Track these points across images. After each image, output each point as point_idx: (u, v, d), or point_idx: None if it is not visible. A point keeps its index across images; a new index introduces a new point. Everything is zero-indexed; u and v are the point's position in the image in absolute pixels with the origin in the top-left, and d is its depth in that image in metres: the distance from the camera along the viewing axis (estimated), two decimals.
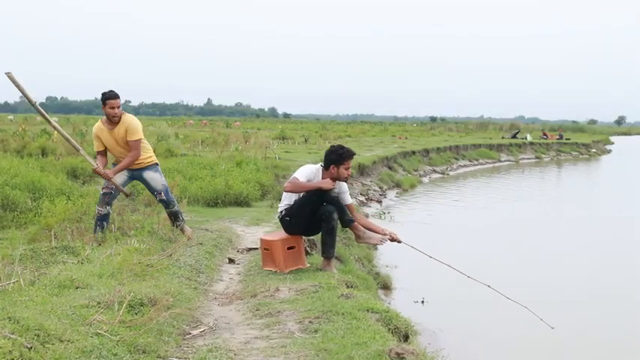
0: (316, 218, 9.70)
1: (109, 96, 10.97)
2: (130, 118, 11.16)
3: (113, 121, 11.06)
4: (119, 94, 11.16)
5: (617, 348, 11.55)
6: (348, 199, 10.25)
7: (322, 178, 9.88)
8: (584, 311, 13.38)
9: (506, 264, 17.19)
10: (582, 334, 12.10)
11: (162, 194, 11.41)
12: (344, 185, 10.22)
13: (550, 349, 11.34)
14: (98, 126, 11.22)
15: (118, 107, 11.01)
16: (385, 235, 10.28)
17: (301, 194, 9.77)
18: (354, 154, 10.12)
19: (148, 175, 11.37)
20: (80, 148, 10.93)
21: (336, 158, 9.85)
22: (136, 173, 11.33)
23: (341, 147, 10.12)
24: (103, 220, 11.11)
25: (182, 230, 11.58)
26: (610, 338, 12.02)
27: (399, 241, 10.26)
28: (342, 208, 9.75)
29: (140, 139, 11.16)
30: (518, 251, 19.00)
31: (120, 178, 11.23)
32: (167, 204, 11.50)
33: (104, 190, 11.17)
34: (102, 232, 11.01)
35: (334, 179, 9.86)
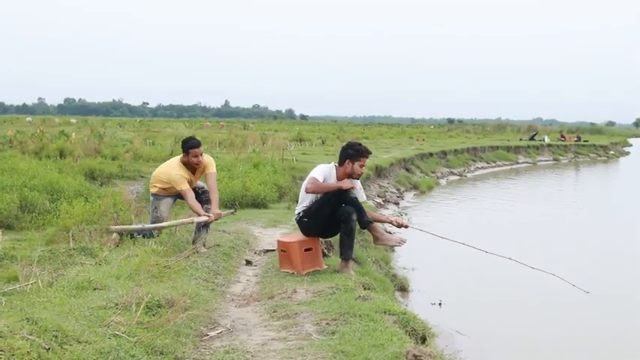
0: (334, 219, 9.66)
1: (192, 145, 10.91)
2: (207, 159, 11.19)
3: (196, 167, 11.07)
4: (200, 142, 11.25)
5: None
6: (362, 197, 10.25)
7: (336, 176, 9.84)
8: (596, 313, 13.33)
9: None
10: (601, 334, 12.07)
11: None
12: (357, 182, 10.17)
13: (568, 351, 11.31)
14: (181, 172, 10.95)
15: (201, 154, 10.98)
16: (392, 222, 10.18)
17: (319, 195, 9.74)
18: (370, 152, 10.07)
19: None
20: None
21: (353, 153, 9.81)
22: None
23: (359, 143, 10.14)
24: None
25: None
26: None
27: (406, 226, 10.14)
28: (360, 209, 9.70)
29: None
30: (530, 252, 18.93)
31: (168, 205, 11.24)
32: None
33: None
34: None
35: (348, 175, 9.81)
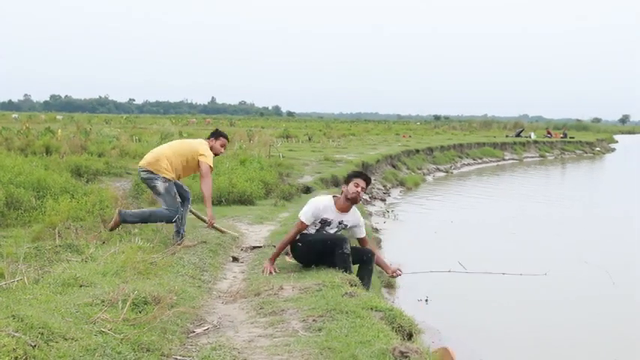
0: (326, 255, 9.59)
1: (226, 135, 11.75)
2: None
3: (215, 154, 11.61)
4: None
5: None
6: (361, 233, 10.08)
7: (336, 207, 9.68)
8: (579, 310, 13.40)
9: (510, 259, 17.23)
10: (589, 333, 12.11)
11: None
12: (359, 218, 10.00)
13: (554, 347, 11.35)
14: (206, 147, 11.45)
15: (226, 147, 11.85)
16: (394, 272, 10.30)
17: (317, 225, 9.70)
18: (365, 176, 9.88)
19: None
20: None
21: (346, 177, 9.77)
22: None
23: (355, 171, 10.12)
24: None
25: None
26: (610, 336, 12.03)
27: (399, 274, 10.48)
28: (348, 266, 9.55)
29: None
30: (516, 249, 19.00)
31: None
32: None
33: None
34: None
35: (346, 200, 9.63)
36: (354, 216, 9.83)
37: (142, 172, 10.99)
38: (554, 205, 29.17)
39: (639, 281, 15.80)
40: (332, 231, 9.74)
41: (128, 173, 21.12)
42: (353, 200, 9.66)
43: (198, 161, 11.08)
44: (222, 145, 11.42)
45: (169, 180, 10.93)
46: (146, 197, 15.76)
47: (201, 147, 11.19)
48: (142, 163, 11.03)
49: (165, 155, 11.00)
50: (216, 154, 11.50)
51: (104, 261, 8.90)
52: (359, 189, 9.57)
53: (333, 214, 9.67)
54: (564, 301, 13.99)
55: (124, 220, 10.92)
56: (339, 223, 9.74)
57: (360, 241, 10.14)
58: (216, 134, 11.48)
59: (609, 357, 11.04)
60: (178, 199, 11.04)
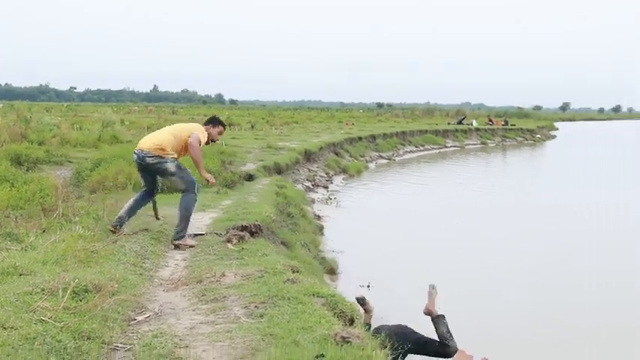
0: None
1: (224, 124, 11.64)
2: None
3: (211, 141, 11.55)
4: None
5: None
6: None
7: None
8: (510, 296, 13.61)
9: (441, 248, 17.44)
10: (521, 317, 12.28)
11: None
12: None
13: (492, 333, 11.50)
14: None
15: (222, 135, 11.87)
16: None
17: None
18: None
19: None
20: None
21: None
22: None
23: None
24: None
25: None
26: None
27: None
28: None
29: None
30: (454, 237, 19.21)
31: None
32: None
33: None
34: None
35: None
36: None
37: (147, 158, 10.80)
38: (491, 194, 29.50)
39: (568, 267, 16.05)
40: None
41: (69, 161, 20.91)
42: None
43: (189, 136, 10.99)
44: (220, 133, 11.38)
45: (176, 159, 10.94)
46: (87, 185, 15.64)
47: (196, 129, 11.12)
48: (146, 147, 10.87)
49: (167, 139, 10.94)
50: (213, 141, 11.48)
51: (44, 249, 8.81)
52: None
53: None
54: (508, 287, 14.20)
55: (182, 237, 10.96)
56: None
57: None
58: (214, 121, 11.35)
59: (546, 343, 11.23)
60: (188, 170, 11.10)
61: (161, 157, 10.81)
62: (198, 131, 10.98)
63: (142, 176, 11.20)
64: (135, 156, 10.96)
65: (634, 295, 13.90)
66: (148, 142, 10.94)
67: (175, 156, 10.90)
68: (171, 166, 10.86)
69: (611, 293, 13.87)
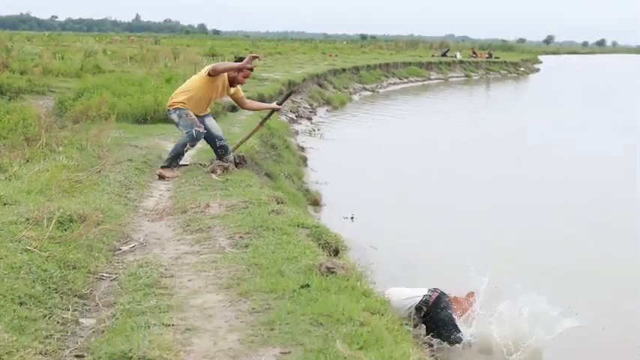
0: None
1: (250, 67, 11.21)
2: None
3: (237, 83, 11.34)
4: None
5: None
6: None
7: None
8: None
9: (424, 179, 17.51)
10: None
11: (223, 140, 11.30)
12: None
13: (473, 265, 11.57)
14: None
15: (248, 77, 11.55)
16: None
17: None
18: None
19: (210, 121, 11.28)
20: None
21: None
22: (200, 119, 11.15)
23: None
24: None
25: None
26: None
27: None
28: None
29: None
30: (435, 168, 19.30)
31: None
32: (225, 151, 11.32)
33: (201, 130, 11.02)
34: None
35: None
36: None
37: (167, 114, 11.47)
38: (473, 126, 29.59)
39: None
40: None
41: (51, 91, 20.77)
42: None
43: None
44: (245, 76, 11.20)
45: (180, 108, 11.01)
46: (70, 115, 15.56)
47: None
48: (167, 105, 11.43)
49: (178, 92, 11.30)
50: (239, 83, 11.32)
51: (28, 179, 8.79)
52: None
53: None
54: (487, 212, 14.29)
55: (168, 166, 10.96)
56: None
57: None
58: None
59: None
60: (196, 122, 10.97)
61: (169, 110, 11.26)
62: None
63: None
64: None
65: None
66: (169, 101, 11.38)
67: (179, 106, 11.06)
68: (174, 117, 11.15)
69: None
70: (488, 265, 8.68)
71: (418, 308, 8.25)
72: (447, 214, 14.42)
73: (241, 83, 11.31)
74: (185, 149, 11.08)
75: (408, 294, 8.37)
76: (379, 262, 9.81)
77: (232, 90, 11.25)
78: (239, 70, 10.96)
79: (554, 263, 11.52)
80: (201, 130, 10.94)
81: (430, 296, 8.28)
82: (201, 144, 12.80)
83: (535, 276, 10.30)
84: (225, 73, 10.99)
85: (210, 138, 11.23)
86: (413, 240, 12.49)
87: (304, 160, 18.29)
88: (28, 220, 6.64)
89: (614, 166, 20.22)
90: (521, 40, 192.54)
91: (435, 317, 8.25)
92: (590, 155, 22.00)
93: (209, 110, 11.51)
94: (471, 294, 9.04)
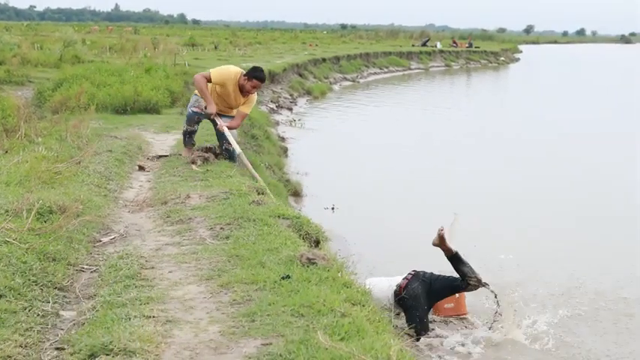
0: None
1: (261, 77, 11.05)
2: (254, 97, 11.43)
3: (246, 92, 11.09)
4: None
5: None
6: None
7: None
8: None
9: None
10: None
11: (229, 144, 11.15)
12: None
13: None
14: (234, 78, 10.98)
15: (258, 88, 11.22)
16: None
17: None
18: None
19: (225, 121, 11.18)
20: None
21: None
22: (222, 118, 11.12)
23: None
24: (192, 134, 11.34)
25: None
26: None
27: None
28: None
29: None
30: (416, 159, 19.35)
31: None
32: (229, 156, 11.22)
33: (195, 110, 10.99)
34: (192, 145, 11.33)
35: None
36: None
37: None
38: (454, 118, 29.68)
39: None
40: None
41: (30, 81, 20.67)
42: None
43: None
44: (254, 87, 10.95)
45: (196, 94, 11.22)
46: (49, 106, 15.49)
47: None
48: None
49: None
50: (247, 91, 11.05)
51: (7, 171, 8.73)
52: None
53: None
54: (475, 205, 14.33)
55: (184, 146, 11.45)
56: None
57: None
58: (250, 74, 10.97)
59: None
60: (196, 104, 11.11)
61: None
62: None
63: None
64: None
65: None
66: None
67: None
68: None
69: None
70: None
71: (397, 296, 8.27)
72: (428, 203, 14.43)
73: (249, 92, 11.15)
74: (185, 129, 11.27)
75: (386, 283, 8.38)
76: (360, 253, 9.83)
77: (242, 99, 11.16)
78: (247, 78, 10.92)
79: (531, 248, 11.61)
80: (197, 110, 10.97)
81: (400, 285, 8.27)
82: (180, 135, 12.78)
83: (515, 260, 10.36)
84: (235, 80, 10.96)
85: (219, 137, 11.18)
86: (394, 230, 12.50)
87: (285, 150, 18.29)
88: (7, 211, 6.60)
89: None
90: (502, 30, 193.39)
91: (404, 304, 8.26)
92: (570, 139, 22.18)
93: (233, 112, 11.30)
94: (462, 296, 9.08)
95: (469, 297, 8.99)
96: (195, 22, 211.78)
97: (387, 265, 10.31)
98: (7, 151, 10.28)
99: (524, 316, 8.64)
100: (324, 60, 43.67)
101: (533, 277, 9.87)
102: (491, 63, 71.48)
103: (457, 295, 8.84)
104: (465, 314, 9.09)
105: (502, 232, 12.54)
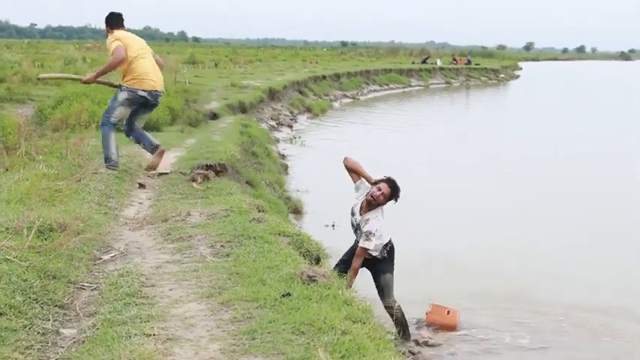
0: None
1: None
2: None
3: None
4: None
5: None
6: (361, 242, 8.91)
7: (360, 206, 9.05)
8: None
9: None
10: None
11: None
12: (370, 227, 8.83)
13: (449, 275, 11.62)
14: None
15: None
16: None
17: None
18: (391, 182, 9.00)
19: None
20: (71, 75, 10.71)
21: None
22: None
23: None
24: None
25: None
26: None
27: None
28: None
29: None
30: (416, 176, 19.35)
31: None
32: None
33: None
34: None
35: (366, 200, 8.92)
36: (368, 223, 8.82)
37: (159, 97, 11.37)
38: (455, 138, 29.69)
39: None
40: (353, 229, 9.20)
41: (31, 99, 20.68)
42: (369, 202, 8.89)
43: None
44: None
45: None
46: (49, 124, 15.49)
47: None
48: (160, 87, 11.21)
49: None
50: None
51: (8, 188, 8.74)
52: (380, 192, 8.80)
53: (357, 211, 9.08)
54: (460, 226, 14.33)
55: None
56: (357, 223, 9.05)
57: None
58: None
59: None
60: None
61: None
62: None
63: (132, 113, 11.27)
64: (150, 96, 11.01)
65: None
66: (161, 83, 11.21)
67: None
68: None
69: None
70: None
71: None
72: (428, 221, 14.45)
73: None
74: None
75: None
76: (361, 270, 9.81)
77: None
78: None
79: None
80: None
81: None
82: (181, 152, 12.79)
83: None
84: None
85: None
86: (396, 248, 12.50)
87: (285, 167, 18.31)
88: (7, 229, 6.60)
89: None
90: (502, 47, 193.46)
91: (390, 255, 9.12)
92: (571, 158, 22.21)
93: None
94: (454, 312, 9.21)
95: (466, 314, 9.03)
96: (196, 39, 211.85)
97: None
98: (7, 169, 10.28)
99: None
100: (324, 77, 43.75)
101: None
102: (491, 80, 71.60)
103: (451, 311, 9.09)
104: (454, 328, 9.27)
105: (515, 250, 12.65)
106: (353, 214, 9.08)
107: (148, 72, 10.95)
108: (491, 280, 11.29)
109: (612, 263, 12.44)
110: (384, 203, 8.86)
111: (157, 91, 10.95)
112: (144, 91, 10.85)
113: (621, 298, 10.65)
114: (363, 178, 9.12)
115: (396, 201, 8.95)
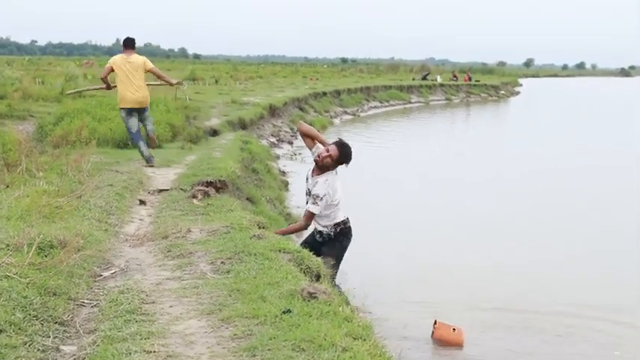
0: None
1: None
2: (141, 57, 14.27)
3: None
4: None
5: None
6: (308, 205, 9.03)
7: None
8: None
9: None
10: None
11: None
12: (319, 190, 8.97)
13: (450, 283, 11.62)
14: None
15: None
16: None
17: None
18: (341, 144, 9.08)
19: None
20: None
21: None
22: None
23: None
24: None
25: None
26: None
27: None
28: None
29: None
30: (418, 194, 19.34)
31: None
32: None
33: None
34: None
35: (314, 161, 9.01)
36: (315, 186, 8.97)
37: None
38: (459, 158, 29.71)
39: None
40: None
41: (31, 116, 20.72)
42: (316, 162, 9.02)
43: None
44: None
45: None
46: (50, 140, 15.51)
47: None
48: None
49: None
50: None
51: (8, 205, 8.73)
52: (327, 154, 8.87)
53: (309, 176, 9.17)
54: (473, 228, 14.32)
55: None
56: (307, 188, 9.11)
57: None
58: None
59: None
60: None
61: None
62: None
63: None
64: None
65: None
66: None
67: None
68: None
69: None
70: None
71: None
72: (430, 237, 14.44)
73: None
74: None
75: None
76: (362, 286, 9.82)
77: None
78: None
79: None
80: None
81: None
82: (181, 169, 12.80)
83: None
84: None
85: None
86: (394, 263, 12.51)
87: (285, 184, 18.31)
88: (8, 246, 6.59)
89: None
90: (502, 64, 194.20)
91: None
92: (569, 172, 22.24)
93: None
94: (460, 330, 9.22)
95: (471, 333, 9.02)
96: (196, 56, 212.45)
97: (388, 297, 10.34)
98: (8, 186, 10.28)
99: None
100: (324, 94, 43.83)
101: None
102: (491, 96, 71.77)
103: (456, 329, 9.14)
104: (461, 346, 9.27)
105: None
106: (307, 179, 9.16)
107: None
108: (491, 292, 11.31)
109: (613, 276, 12.44)
110: (333, 167, 8.97)
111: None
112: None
113: (625, 312, 10.65)
114: (318, 143, 9.09)
115: (347, 165, 9.09)
